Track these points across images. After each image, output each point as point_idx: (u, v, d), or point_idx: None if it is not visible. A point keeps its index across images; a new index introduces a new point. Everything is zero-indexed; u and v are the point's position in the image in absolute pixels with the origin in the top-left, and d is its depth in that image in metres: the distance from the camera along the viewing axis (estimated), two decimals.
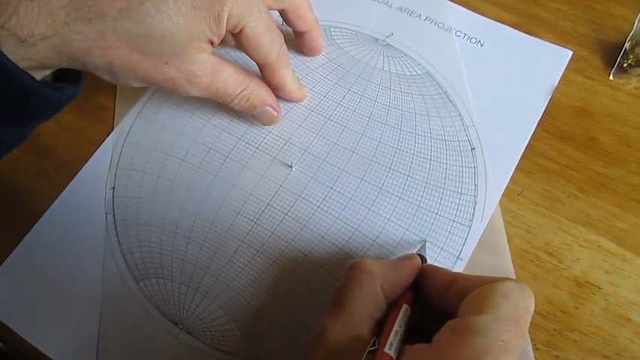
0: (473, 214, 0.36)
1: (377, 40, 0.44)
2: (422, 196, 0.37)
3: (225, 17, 0.32)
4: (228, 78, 0.35)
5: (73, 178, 0.40)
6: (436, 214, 0.36)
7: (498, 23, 0.44)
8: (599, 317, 0.34)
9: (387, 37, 0.44)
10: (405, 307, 0.28)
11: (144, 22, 0.29)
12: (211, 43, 0.33)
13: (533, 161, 0.38)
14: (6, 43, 0.27)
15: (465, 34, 0.44)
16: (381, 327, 0.27)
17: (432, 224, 0.36)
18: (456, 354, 0.23)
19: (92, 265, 0.37)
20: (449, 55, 0.43)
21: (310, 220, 0.37)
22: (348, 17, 0.45)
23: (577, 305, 0.34)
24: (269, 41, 0.35)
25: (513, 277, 0.35)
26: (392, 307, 0.28)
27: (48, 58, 0.29)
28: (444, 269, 0.30)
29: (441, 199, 0.37)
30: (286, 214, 0.37)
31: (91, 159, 0.41)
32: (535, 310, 0.33)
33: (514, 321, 0.24)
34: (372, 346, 0.25)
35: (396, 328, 0.26)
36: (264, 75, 0.38)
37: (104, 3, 0.28)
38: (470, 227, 0.36)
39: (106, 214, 0.39)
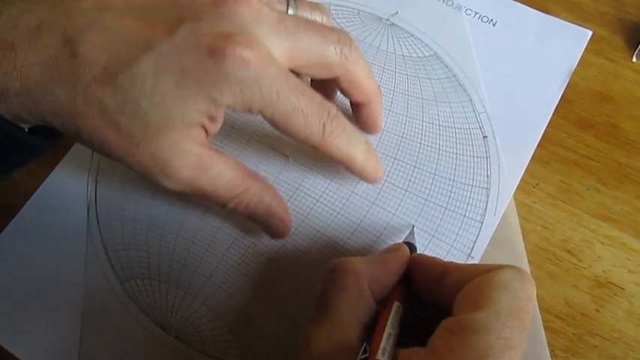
0: (485, 209, 0.33)
1: (381, 19, 0.41)
2: (430, 189, 0.34)
3: (225, 104, 0.26)
4: (219, 178, 0.29)
5: (52, 170, 0.37)
6: (445, 208, 0.34)
7: (512, 1, 0.41)
8: (622, 321, 0.31)
9: (392, 15, 0.41)
10: (396, 304, 0.25)
11: (117, 95, 0.25)
12: (204, 129, 0.27)
13: (550, 151, 0.36)
14: None
15: (476, 13, 0.40)
16: (371, 331, 0.24)
17: (441, 219, 0.33)
18: (454, 358, 0.21)
19: (73, 264, 0.34)
20: (458, 36, 0.39)
21: (309, 214, 0.34)
22: None
23: (598, 308, 0.32)
24: (302, 124, 0.27)
25: None
26: (382, 306, 0.26)
27: (21, 115, 0.27)
28: (435, 259, 0.28)
29: (451, 192, 0.34)
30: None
31: (71, 149, 0.38)
32: (553, 313, 0.32)
33: (515, 314, 0.22)
34: (362, 354, 0.22)
35: (388, 330, 0.24)
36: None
37: (79, 67, 0.25)
38: (482, 223, 0.33)
39: (88, 209, 0.36)
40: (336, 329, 0.24)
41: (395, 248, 0.29)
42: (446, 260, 0.28)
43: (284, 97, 0.26)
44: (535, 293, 0.23)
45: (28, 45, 0.25)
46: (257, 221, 0.32)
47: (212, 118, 0.27)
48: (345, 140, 0.29)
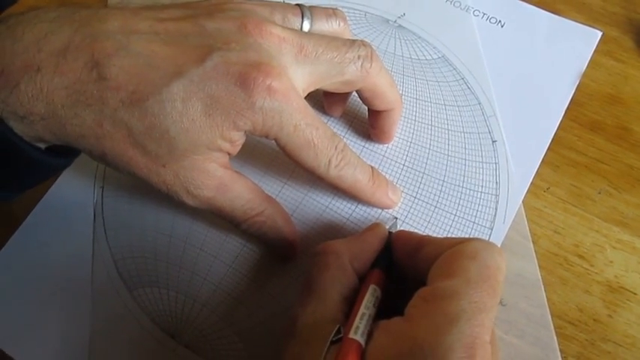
0: (494, 215, 0.33)
1: (388, 21, 0.40)
2: (439, 196, 0.34)
3: (245, 129, 0.27)
4: (238, 198, 0.30)
5: (58, 177, 0.37)
6: (454, 215, 0.33)
7: (520, 1, 0.40)
8: (634, 326, 0.31)
9: (399, 17, 0.40)
10: (372, 287, 0.26)
11: (144, 119, 0.26)
12: (227, 152, 0.28)
13: (561, 154, 0.35)
14: (8, 118, 0.25)
15: (484, 14, 0.40)
16: (353, 305, 0.26)
17: (450, 226, 0.33)
18: (428, 323, 0.22)
19: (81, 273, 0.34)
20: (467, 37, 0.39)
21: (318, 221, 0.34)
22: None
23: (610, 313, 0.31)
24: (311, 157, 0.29)
25: (540, 282, 0.32)
26: (362, 284, 0.27)
27: (44, 136, 0.27)
28: (413, 233, 0.29)
29: (460, 199, 0.34)
30: (292, 214, 0.34)
31: None
32: (565, 319, 0.31)
33: (485, 280, 0.23)
34: (336, 335, 0.23)
35: (362, 310, 0.25)
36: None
37: (107, 91, 0.25)
38: (492, 229, 0.33)
39: (94, 216, 0.36)
40: (319, 304, 0.26)
41: (372, 227, 0.30)
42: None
43: (300, 130, 0.28)
44: (504, 263, 0.24)
45: (53, 68, 0.25)
46: (267, 243, 0.33)
47: (233, 142, 0.28)
48: (349, 173, 0.30)
